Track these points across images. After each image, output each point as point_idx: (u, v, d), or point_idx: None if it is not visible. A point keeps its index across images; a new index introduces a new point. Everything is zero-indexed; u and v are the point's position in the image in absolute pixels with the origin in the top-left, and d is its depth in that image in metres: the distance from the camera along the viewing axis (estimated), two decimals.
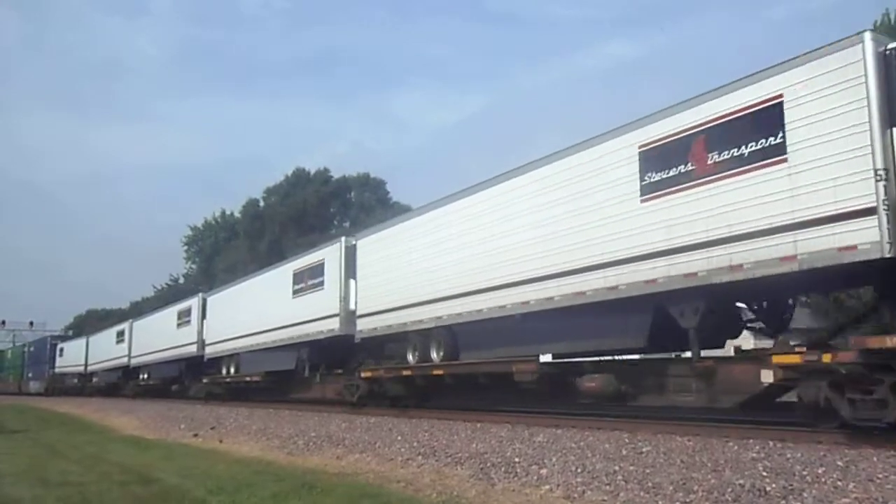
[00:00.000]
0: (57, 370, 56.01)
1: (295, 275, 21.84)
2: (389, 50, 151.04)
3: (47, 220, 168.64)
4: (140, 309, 63.10)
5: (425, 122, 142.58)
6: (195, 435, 15.88)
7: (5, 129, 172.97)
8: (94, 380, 48.53)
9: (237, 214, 74.49)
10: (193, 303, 31.54)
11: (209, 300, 30.65)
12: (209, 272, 69.99)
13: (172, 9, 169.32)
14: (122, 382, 42.04)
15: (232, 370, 27.65)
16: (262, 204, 70.96)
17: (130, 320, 42.10)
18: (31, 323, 75.18)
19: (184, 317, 32.19)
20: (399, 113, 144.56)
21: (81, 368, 49.90)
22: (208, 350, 29.34)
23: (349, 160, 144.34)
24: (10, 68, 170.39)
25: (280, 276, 23.22)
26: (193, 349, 30.11)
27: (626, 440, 9.60)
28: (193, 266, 77.97)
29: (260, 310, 24.15)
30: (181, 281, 76.64)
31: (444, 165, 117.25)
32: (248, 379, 26.05)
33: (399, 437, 11.74)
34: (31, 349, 63.72)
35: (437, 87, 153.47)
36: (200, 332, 29.86)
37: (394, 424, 13.89)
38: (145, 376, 37.80)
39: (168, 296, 63.27)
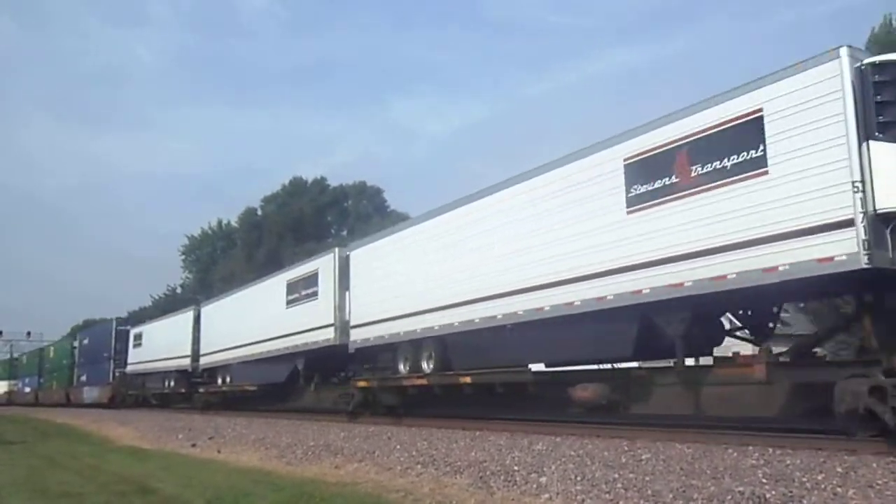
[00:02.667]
0: (129, 369, 38.14)
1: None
2: (389, 58, 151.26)
3: (44, 230, 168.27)
4: (138, 319, 52.58)
5: (427, 130, 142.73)
6: (193, 445, 15.84)
7: (2, 138, 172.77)
8: (225, 380, 27.36)
9: (234, 224, 74.68)
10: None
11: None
12: (206, 282, 69.99)
13: (172, 18, 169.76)
14: (338, 388, 20.43)
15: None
16: (259, 213, 71.14)
17: (335, 250, 20.18)
18: (29, 333, 74.36)
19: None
20: (400, 121, 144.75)
21: (185, 362, 30.47)
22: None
23: (349, 169, 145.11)
24: (8, 77, 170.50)
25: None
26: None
27: (626, 448, 9.60)
28: (190, 276, 77.99)
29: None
30: (178, 291, 76.60)
31: (447, 173, 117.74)
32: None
33: (398, 446, 11.72)
34: (85, 341, 45.84)
35: (438, 94, 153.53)
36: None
37: (393, 433, 13.88)
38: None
39: (166, 305, 62.80)
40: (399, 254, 16.99)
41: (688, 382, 11.00)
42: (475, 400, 14.91)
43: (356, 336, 18.30)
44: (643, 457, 8.73)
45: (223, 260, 72.11)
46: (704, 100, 10.12)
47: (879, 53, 8.88)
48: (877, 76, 8.52)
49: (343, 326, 18.79)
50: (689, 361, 11.35)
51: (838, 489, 6.34)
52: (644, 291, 10.70)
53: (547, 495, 7.39)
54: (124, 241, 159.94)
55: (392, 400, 17.52)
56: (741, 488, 6.55)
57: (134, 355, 37.84)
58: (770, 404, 10.10)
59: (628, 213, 11.03)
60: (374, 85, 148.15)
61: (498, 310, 13.63)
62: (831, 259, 8.47)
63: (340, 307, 18.95)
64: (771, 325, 11.30)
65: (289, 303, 21.83)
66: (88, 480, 10.64)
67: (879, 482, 6.47)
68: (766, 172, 9.15)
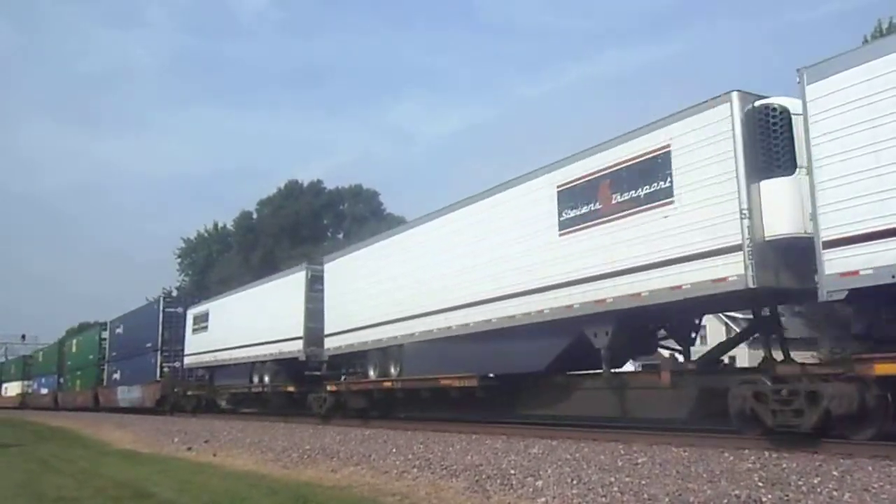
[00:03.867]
0: (187, 361, 29.11)
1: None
2: (388, 61, 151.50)
3: (39, 232, 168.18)
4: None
5: (426, 131, 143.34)
6: (189, 449, 15.81)
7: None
8: (386, 370, 17.31)
9: (230, 227, 74.57)
10: None
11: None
12: (202, 285, 69.82)
13: (168, 20, 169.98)
14: None
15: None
16: (255, 216, 71.11)
17: (731, 95, 9.46)
18: (24, 336, 74.11)
19: None
20: (399, 123, 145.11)
21: (294, 347, 20.72)
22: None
23: (348, 171, 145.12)
24: (5, 79, 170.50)
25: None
26: None
27: (622, 451, 9.61)
28: (186, 279, 77.79)
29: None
30: (174, 294, 76.42)
31: (446, 174, 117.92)
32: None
33: (394, 450, 11.71)
34: (119, 330, 36.94)
35: (437, 96, 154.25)
36: None
37: (388, 436, 13.87)
38: None
39: None
40: None
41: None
42: None
43: (858, 263, 8.04)
44: (639, 460, 8.73)
45: (219, 263, 71.94)
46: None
47: None
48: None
49: (766, 252, 9.13)
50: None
51: (834, 493, 6.35)
52: None
53: (543, 499, 7.39)
54: (120, 243, 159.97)
55: None
56: (737, 492, 6.56)
57: (195, 343, 28.34)
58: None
59: None
60: (373, 87, 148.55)
61: None
62: (725, 279, 9.23)
63: (753, 210, 9.19)
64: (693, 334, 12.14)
65: (565, 225, 11.98)
66: (84, 485, 10.61)
67: (875, 486, 6.49)
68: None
